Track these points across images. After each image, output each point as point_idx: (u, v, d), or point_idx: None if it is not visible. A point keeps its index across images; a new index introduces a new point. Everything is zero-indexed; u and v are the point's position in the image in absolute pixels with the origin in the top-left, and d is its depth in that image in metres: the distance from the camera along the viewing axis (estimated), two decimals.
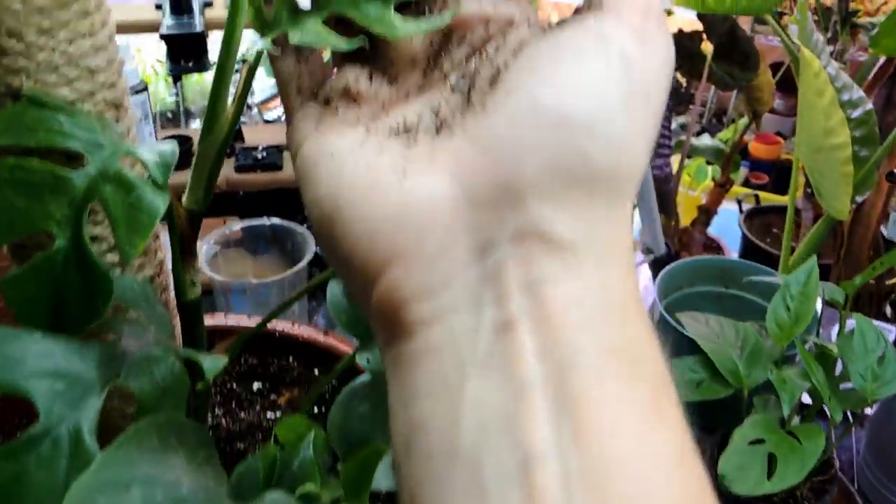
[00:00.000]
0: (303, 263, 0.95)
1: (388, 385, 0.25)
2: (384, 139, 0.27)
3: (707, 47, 1.21)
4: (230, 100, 0.38)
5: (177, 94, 1.35)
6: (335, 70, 0.32)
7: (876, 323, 0.77)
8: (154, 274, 0.41)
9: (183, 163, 0.95)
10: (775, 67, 1.58)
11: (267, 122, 1.57)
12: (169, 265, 0.43)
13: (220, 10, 1.02)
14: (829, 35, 1.68)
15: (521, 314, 0.22)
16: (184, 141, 1.07)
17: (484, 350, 0.22)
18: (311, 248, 0.98)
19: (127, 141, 0.33)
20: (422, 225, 0.24)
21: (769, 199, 1.55)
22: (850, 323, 0.76)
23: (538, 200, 0.23)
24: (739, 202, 1.43)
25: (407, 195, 0.25)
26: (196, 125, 1.34)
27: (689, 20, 1.24)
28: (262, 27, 0.33)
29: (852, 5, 1.70)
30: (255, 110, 1.43)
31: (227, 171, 1.08)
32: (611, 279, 0.23)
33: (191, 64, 0.95)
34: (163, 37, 0.94)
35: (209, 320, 0.62)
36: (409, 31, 0.30)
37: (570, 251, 0.22)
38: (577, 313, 0.22)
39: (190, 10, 0.96)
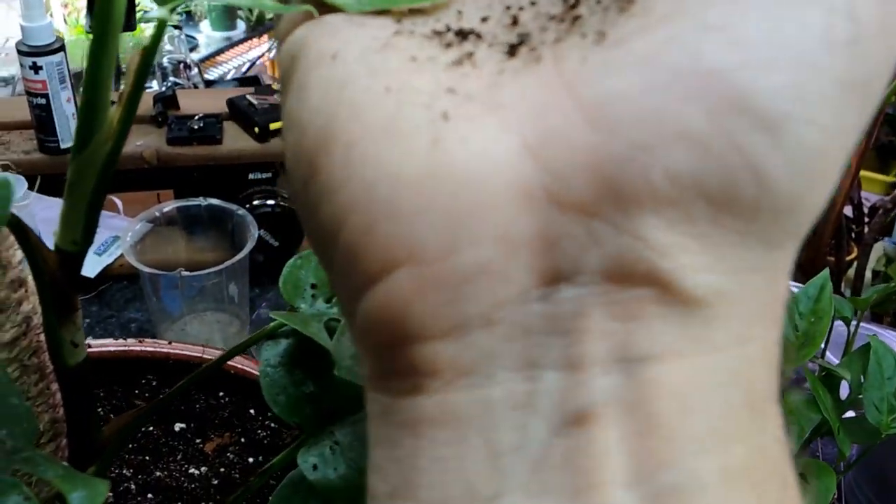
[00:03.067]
0: (244, 252, 0.84)
1: (371, 438, 0.17)
2: (421, 44, 0.17)
3: None
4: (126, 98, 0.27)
5: None
6: None
7: (882, 331, 0.70)
8: (18, 335, 0.30)
9: None
10: None
11: (209, 83, 1.43)
12: (39, 320, 0.32)
13: None
14: None
15: (607, 402, 0.14)
16: None
17: (538, 448, 0.14)
18: (253, 234, 0.86)
19: None
20: (460, 210, 0.15)
21: None
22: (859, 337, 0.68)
23: (662, 220, 0.14)
24: None
25: (444, 154, 0.15)
26: None
27: None
28: None
29: None
30: (194, 70, 1.29)
31: (159, 142, 0.95)
32: (751, 361, 0.15)
33: None
34: None
35: (117, 346, 0.51)
36: (378, 2, 0.20)
37: (700, 312, 0.14)
38: (698, 415, 0.14)
39: None
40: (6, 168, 0.52)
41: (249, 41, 1.99)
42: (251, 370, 0.50)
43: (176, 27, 1.38)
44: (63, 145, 0.89)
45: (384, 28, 0.18)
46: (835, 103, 0.14)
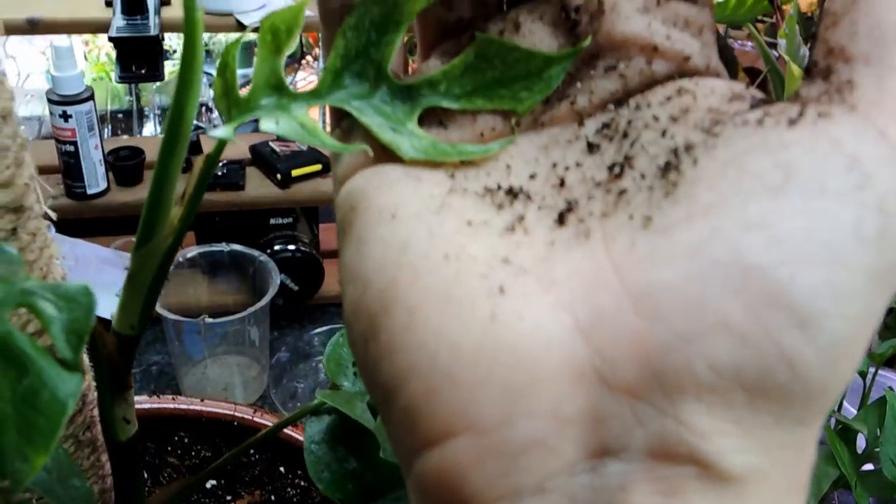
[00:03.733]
0: (266, 299, 0.85)
1: None
2: (475, 205, 0.19)
3: None
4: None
5: (130, 95, 1.22)
6: (416, 60, 0.25)
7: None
8: (74, 412, 0.32)
9: (134, 178, 0.84)
10: (745, 72, 1.55)
11: None
12: (94, 395, 0.33)
13: (177, 10, 0.91)
14: (810, 45, 1.63)
15: None
16: (135, 153, 0.96)
17: None
18: (274, 281, 0.87)
19: (24, 274, 0.23)
20: (517, 384, 0.16)
21: None
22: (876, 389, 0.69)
23: (703, 406, 0.15)
24: None
25: (502, 329, 0.16)
26: (150, 130, 1.22)
27: None
28: (230, 109, 0.24)
29: None
30: (216, 112, 1.31)
31: (182, 188, 0.97)
32: None
33: (143, 71, 0.84)
34: (112, 39, 0.82)
35: (150, 403, 0.52)
36: (431, 153, 0.21)
37: (735, 487, 0.15)
38: None
39: (144, 10, 0.85)
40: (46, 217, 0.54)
41: None
42: (287, 430, 0.51)
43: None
44: (89, 191, 0.91)
45: (439, 184, 0.19)
46: (864, 295, 0.15)
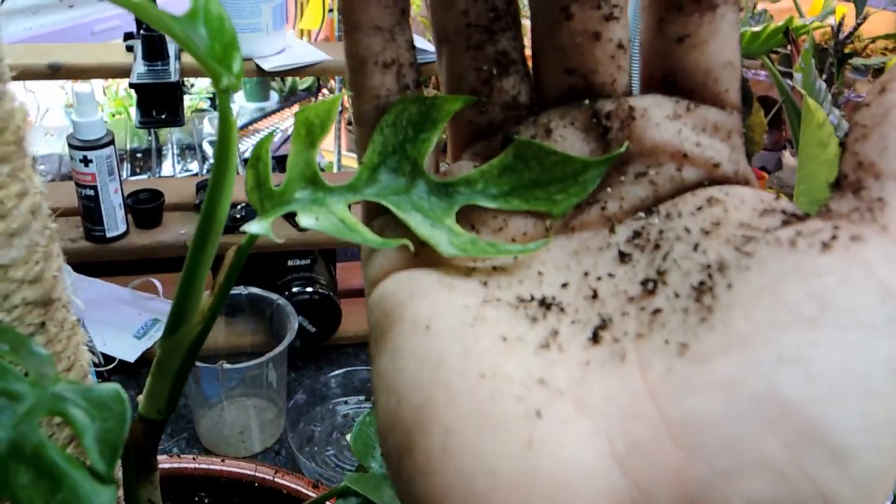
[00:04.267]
0: (284, 344, 0.85)
1: None
2: (509, 318, 0.18)
3: None
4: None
5: (149, 133, 1.23)
6: (447, 158, 0.25)
7: None
8: None
9: (153, 221, 0.84)
10: (759, 101, 1.55)
11: (247, 160, 1.45)
12: (119, 474, 0.32)
13: None
14: (825, 77, 1.63)
15: None
16: (154, 196, 0.96)
17: None
18: (293, 326, 0.87)
19: (54, 375, 0.22)
20: None
21: None
22: None
23: None
24: None
25: (540, 456, 0.16)
26: (168, 167, 1.23)
27: None
28: (263, 201, 0.24)
29: (849, 48, 1.66)
30: None
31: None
32: None
33: (163, 116, 0.84)
34: (133, 86, 0.83)
35: (170, 463, 0.51)
36: (471, 249, 0.21)
37: None
38: None
39: (164, 56, 0.85)
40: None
41: (281, 112, 2.03)
42: (304, 489, 0.51)
43: (213, 107, 1.41)
44: (109, 234, 0.91)
45: (473, 294, 0.19)
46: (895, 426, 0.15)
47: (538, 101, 0.23)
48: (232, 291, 0.91)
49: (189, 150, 1.23)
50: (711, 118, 0.21)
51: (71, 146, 0.86)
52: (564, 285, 0.20)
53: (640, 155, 0.21)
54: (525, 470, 0.16)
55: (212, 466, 0.51)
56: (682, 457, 0.15)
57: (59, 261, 0.26)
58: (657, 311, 0.18)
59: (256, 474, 0.51)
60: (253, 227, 0.23)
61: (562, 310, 0.19)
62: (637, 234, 0.20)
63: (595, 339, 0.18)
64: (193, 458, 0.52)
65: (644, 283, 0.19)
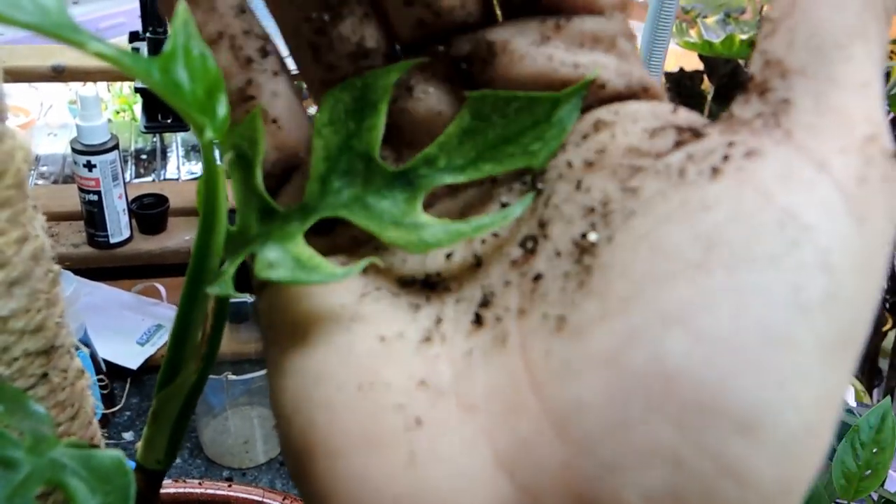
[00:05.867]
0: None
1: None
2: (390, 311, 0.17)
3: (706, 86, 1.16)
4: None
5: (154, 136, 1.22)
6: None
7: None
8: None
9: (157, 227, 0.83)
10: None
11: None
12: None
13: None
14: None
15: None
16: (159, 201, 0.94)
17: None
18: None
19: (53, 438, 0.21)
20: None
21: None
22: None
23: None
24: None
25: (422, 472, 0.15)
26: (173, 167, 1.21)
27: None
28: (227, 248, 0.22)
29: None
30: None
31: None
32: None
33: (169, 121, 0.83)
34: (138, 90, 0.81)
35: (175, 488, 0.50)
36: (445, 239, 0.19)
37: None
38: None
39: None
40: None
41: None
42: None
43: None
44: (112, 240, 0.90)
45: (351, 288, 0.18)
46: (817, 372, 0.13)
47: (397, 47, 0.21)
48: (237, 300, 0.90)
49: (194, 150, 1.21)
50: (588, 29, 0.18)
51: (74, 150, 0.85)
52: (448, 256, 0.18)
53: None
54: (409, 490, 0.14)
55: (218, 492, 0.50)
56: (567, 451, 0.13)
57: (61, 306, 0.24)
58: (538, 278, 0.16)
59: (264, 500, 0.50)
60: (214, 290, 0.21)
61: (447, 288, 0.17)
62: (520, 179, 0.18)
63: (478, 321, 0.16)
64: (199, 483, 0.50)
65: (524, 241, 0.17)
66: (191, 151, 1.23)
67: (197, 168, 1.19)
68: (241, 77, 0.20)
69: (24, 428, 0.21)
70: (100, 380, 0.85)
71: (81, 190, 0.87)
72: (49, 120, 1.59)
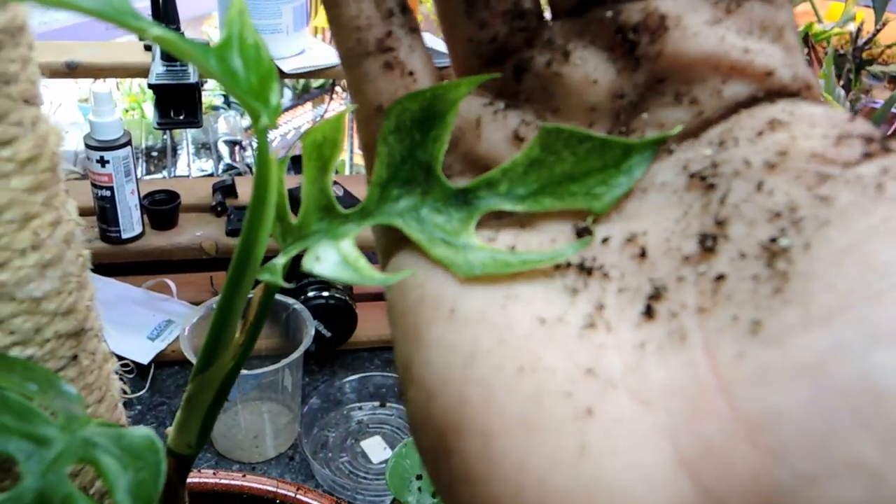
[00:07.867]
0: (300, 350, 0.84)
1: None
2: (545, 292, 0.16)
3: None
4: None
5: (165, 133, 1.22)
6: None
7: None
8: None
9: (169, 222, 0.84)
10: None
11: None
12: None
13: None
14: (843, 83, 1.61)
15: None
16: (171, 197, 0.95)
17: None
18: (309, 331, 0.86)
19: (84, 417, 0.21)
20: None
21: None
22: None
23: None
24: None
25: (594, 465, 0.14)
26: (184, 164, 1.22)
27: None
28: (284, 238, 0.22)
29: (865, 54, 1.64)
30: (248, 151, 1.30)
31: (218, 233, 0.96)
32: None
33: (181, 117, 0.83)
34: (151, 86, 0.82)
35: (191, 478, 0.50)
36: (490, 267, 0.19)
37: None
38: None
39: None
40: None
41: (294, 109, 2.02)
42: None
43: (227, 105, 1.40)
44: (124, 235, 0.90)
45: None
46: None
47: (553, 15, 0.20)
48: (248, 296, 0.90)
49: (204, 147, 1.22)
50: (757, 16, 0.18)
51: (88, 146, 0.85)
52: (605, 240, 0.17)
53: (678, 71, 0.18)
54: (578, 482, 0.14)
55: (232, 482, 0.50)
56: (762, 460, 0.13)
57: (91, 289, 0.25)
58: (721, 278, 0.15)
59: (278, 490, 0.50)
60: (265, 277, 0.21)
61: (605, 275, 0.17)
62: (685, 169, 0.17)
63: (649, 313, 0.16)
64: (214, 473, 0.51)
65: (702, 239, 0.16)
66: (201, 149, 1.23)
67: (207, 165, 1.19)
68: (382, 28, 0.20)
69: (57, 407, 0.21)
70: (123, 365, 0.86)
71: (94, 185, 0.87)
72: (59, 118, 1.60)
